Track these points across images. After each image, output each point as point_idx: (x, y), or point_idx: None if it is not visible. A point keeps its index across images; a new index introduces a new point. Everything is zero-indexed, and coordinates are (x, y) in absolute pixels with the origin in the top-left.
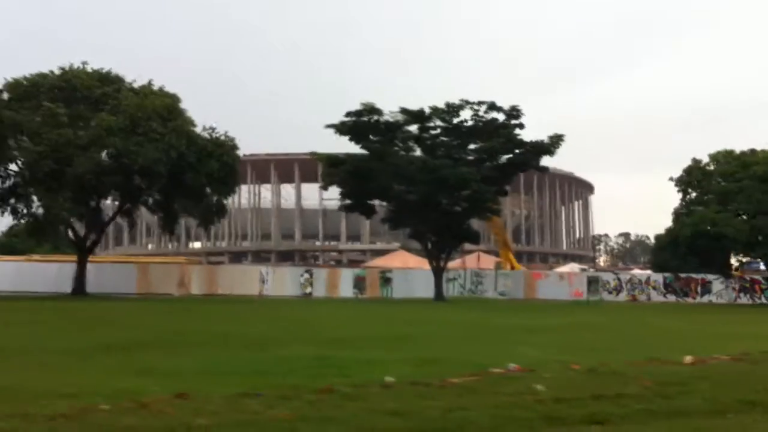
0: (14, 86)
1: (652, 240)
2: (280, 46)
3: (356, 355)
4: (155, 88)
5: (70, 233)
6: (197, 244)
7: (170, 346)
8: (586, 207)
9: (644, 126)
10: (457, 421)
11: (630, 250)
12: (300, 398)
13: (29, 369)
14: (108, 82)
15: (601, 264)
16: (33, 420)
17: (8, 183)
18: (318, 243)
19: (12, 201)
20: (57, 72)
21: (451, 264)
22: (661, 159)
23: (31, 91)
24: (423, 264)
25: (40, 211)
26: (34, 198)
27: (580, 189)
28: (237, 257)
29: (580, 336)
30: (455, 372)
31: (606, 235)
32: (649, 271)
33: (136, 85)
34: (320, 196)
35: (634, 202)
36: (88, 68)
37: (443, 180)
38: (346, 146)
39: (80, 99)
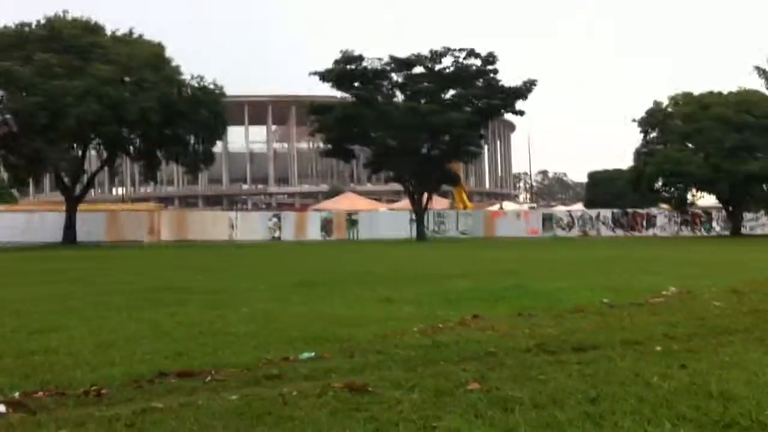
0: None
1: (570, 178)
2: None
3: (537, 284)
4: (136, 36)
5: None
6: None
7: (353, 283)
8: (507, 146)
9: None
10: (713, 319)
11: (549, 188)
12: (569, 316)
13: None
14: (90, 30)
15: (521, 201)
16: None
17: None
18: (245, 186)
19: (2, 152)
20: (42, 21)
21: (399, 205)
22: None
23: (16, 41)
24: (373, 206)
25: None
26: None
27: (502, 127)
28: (163, 202)
29: (645, 267)
30: (632, 296)
31: (525, 173)
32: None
33: (118, 34)
34: (246, 139)
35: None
36: (69, 17)
37: (428, 125)
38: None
39: (67, 48)
